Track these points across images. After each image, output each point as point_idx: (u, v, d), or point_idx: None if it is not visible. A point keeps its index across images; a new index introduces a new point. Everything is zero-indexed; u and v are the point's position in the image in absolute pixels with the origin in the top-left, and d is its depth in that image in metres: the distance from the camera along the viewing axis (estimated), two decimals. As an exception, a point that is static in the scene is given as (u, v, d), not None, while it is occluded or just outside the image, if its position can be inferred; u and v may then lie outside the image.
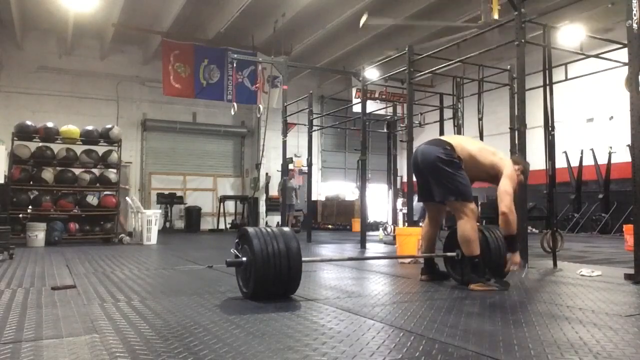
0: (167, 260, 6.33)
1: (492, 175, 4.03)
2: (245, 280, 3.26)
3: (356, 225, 13.96)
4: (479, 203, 15.86)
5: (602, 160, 12.71)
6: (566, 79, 7.51)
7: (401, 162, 13.17)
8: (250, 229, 3.25)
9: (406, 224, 8.19)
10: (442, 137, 4.16)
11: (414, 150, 7.17)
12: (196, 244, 9.35)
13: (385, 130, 12.28)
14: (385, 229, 11.54)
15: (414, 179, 4.30)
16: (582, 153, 13.15)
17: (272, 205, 15.92)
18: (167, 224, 14.53)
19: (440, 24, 12.17)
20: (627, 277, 4.11)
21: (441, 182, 3.85)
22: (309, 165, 10.13)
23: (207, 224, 15.73)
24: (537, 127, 6.08)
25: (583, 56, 7.13)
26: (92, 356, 1.96)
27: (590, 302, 3.17)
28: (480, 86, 8.18)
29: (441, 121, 8.88)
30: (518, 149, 5.52)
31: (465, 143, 4.07)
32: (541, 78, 5.64)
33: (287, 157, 10.38)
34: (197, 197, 16.26)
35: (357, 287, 3.98)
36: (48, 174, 9.04)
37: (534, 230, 12.40)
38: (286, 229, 3.43)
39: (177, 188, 15.92)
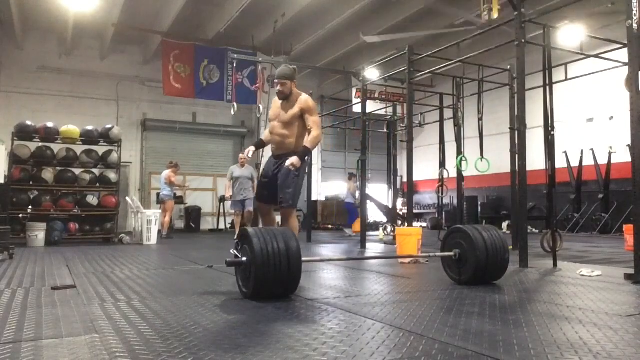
0: (167, 260, 6.33)
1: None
2: (245, 280, 3.26)
3: (356, 226, 13.96)
4: (479, 203, 15.91)
5: (602, 160, 12.71)
6: (566, 79, 7.52)
7: (401, 162, 13.16)
8: (250, 229, 3.26)
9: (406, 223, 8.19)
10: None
11: (413, 150, 7.21)
12: (196, 244, 9.35)
13: (385, 130, 12.27)
14: (385, 228, 11.54)
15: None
16: (582, 153, 13.15)
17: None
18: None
19: (437, 31, 12.18)
20: (627, 277, 4.11)
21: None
22: (309, 165, 10.13)
23: (207, 224, 15.72)
24: (537, 127, 6.09)
25: (583, 56, 7.15)
26: (92, 356, 1.96)
27: (590, 302, 3.16)
28: (480, 86, 8.17)
29: (441, 121, 8.88)
30: (518, 149, 5.53)
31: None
32: (541, 78, 5.64)
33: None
34: (197, 197, 16.25)
35: (357, 287, 3.98)
36: (48, 174, 9.04)
37: (533, 230, 12.41)
38: (285, 228, 3.42)
39: (177, 188, 15.90)
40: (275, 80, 4.43)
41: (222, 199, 15.66)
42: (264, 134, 4.76)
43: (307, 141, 4.33)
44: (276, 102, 4.55)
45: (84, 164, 9.50)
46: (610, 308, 2.98)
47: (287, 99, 4.43)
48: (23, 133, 9.07)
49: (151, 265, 5.56)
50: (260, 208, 4.78)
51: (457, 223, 4.01)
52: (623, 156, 11.04)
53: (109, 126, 9.86)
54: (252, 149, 4.70)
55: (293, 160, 4.21)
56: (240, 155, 10.19)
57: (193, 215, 15.02)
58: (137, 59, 15.93)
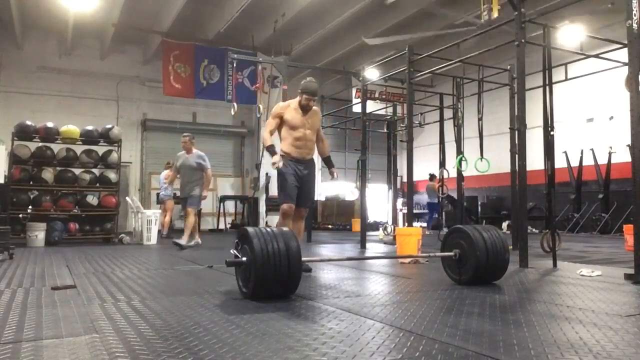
0: (167, 260, 6.33)
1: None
2: (245, 280, 3.26)
3: (356, 225, 13.96)
4: (479, 203, 15.91)
5: (602, 160, 12.71)
6: (566, 79, 7.52)
7: (401, 162, 13.16)
8: (250, 229, 3.25)
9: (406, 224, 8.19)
10: None
11: (413, 150, 7.21)
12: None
13: (385, 130, 12.27)
14: (385, 229, 11.54)
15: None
16: (582, 153, 13.15)
17: (273, 205, 15.91)
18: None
19: (438, 32, 12.17)
20: (627, 277, 4.11)
21: None
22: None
23: (207, 224, 15.72)
24: (537, 127, 6.08)
25: (583, 56, 7.15)
26: (92, 356, 1.96)
27: (590, 302, 3.17)
28: (480, 86, 8.18)
29: (441, 121, 8.88)
30: (518, 149, 5.53)
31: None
32: (541, 78, 5.65)
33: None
34: (197, 197, 16.22)
35: (357, 287, 3.97)
36: (48, 174, 9.04)
37: (533, 230, 12.41)
38: (286, 229, 3.42)
39: (177, 188, 15.89)
40: (307, 96, 4.77)
41: (222, 199, 15.67)
42: (268, 137, 4.83)
43: (328, 151, 5.24)
44: (294, 110, 4.84)
45: (84, 164, 9.50)
46: (610, 308, 2.98)
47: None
48: (23, 133, 9.07)
49: (151, 265, 5.56)
50: (292, 211, 4.86)
51: (457, 223, 4.02)
52: (623, 156, 11.04)
53: (109, 126, 9.86)
54: (280, 158, 4.74)
55: (336, 171, 5.24)
56: (183, 136, 8.64)
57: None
58: (137, 59, 15.94)
